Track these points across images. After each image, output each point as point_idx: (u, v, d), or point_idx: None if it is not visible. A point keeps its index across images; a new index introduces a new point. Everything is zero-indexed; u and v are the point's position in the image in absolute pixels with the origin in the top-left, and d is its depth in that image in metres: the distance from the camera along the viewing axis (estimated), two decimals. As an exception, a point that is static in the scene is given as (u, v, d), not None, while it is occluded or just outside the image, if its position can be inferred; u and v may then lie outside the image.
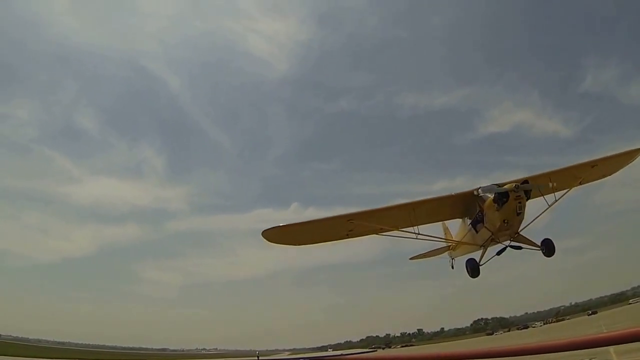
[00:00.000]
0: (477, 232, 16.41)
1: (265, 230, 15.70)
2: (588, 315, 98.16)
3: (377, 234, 16.64)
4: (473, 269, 16.28)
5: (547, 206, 16.21)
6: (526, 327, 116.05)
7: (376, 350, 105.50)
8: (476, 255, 17.25)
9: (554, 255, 15.69)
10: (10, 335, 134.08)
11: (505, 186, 14.41)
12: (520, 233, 15.82)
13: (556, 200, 16.25)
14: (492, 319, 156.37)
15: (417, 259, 21.93)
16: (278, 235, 16.11)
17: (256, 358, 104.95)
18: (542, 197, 16.68)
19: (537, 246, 15.83)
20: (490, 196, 14.78)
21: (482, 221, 15.76)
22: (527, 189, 14.49)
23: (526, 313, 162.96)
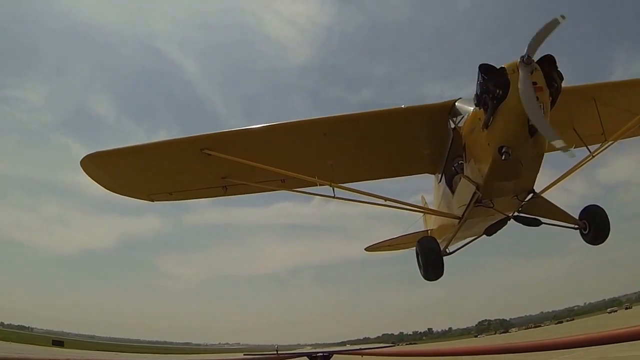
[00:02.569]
0: (453, 192, 8.79)
1: (85, 160, 8.75)
2: (555, 324, 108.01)
3: (274, 188, 9.79)
4: (428, 257, 7.98)
5: (589, 154, 8.72)
6: (507, 331, 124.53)
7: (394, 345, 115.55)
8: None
9: (605, 241, 7.90)
10: (36, 328, 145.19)
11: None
12: (540, 194, 8.01)
13: (604, 147, 8.90)
14: (495, 320, 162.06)
15: (374, 250, 14.68)
16: (108, 172, 9.21)
17: (275, 352, 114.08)
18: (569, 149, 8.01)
19: (573, 221, 8.03)
20: (471, 108, 7.25)
21: (462, 170, 8.20)
22: (554, 83, 6.31)
23: (541, 312, 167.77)
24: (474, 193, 7.75)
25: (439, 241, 8.91)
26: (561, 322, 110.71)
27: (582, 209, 8.24)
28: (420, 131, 9.12)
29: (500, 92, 6.33)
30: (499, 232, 8.84)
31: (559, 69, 6.41)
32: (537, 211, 8.20)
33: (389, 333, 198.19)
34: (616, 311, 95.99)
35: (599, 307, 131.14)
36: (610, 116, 8.92)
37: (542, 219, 8.27)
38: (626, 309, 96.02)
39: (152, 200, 10.24)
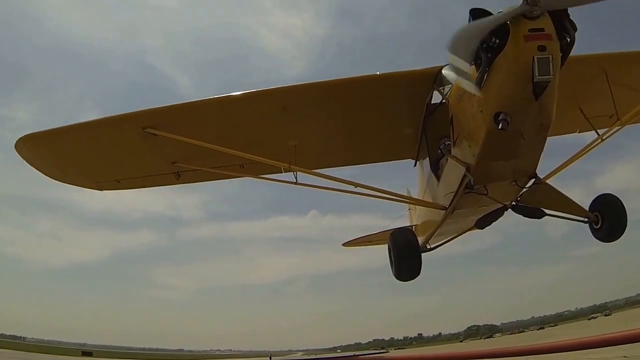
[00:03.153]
0: (438, 178, 7.73)
1: (19, 144, 7.92)
2: (537, 329, 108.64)
3: (233, 175, 8.79)
4: (402, 252, 6.83)
5: (598, 138, 7.86)
6: (491, 336, 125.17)
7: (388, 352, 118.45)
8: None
9: (620, 237, 6.85)
10: (29, 337, 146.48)
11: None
12: (544, 180, 6.95)
13: (613, 131, 7.94)
14: (484, 325, 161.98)
15: (352, 245, 14.65)
16: (46, 156, 8.34)
17: (268, 359, 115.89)
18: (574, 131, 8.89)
19: (583, 213, 7.01)
20: (460, 76, 6.09)
21: (449, 150, 7.07)
22: (566, 34, 5.12)
23: (532, 317, 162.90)
24: (464, 176, 6.50)
25: (422, 236, 7.97)
26: (543, 327, 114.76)
27: (593, 199, 7.09)
28: (399, 105, 7.85)
29: (497, 40, 5.09)
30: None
31: (571, 18, 5.14)
32: (540, 200, 7.00)
33: (380, 338, 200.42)
34: (596, 317, 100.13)
35: (586, 313, 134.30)
36: (621, 94, 7.64)
37: (546, 210, 7.07)
38: (605, 315, 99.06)
39: (100, 189, 9.34)
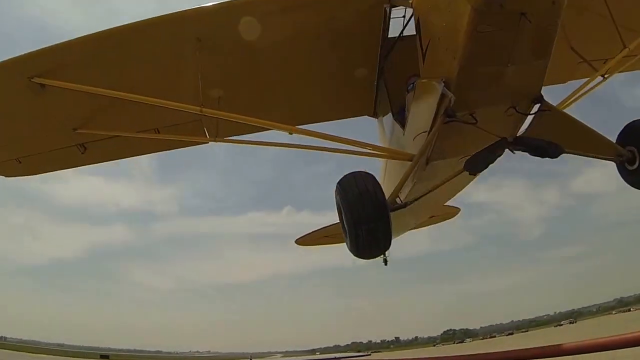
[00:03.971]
0: (404, 125, 5.93)
1: None
2: (506, 335, 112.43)
3: (148, 138, 7.22)
4: (358, 207, 4.36)
5: (591, 80, 6.24)
6: (462, 341, 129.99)
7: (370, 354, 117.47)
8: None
9: None
10: (14, 338, 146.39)
11: None
12: (554, 106, 5.27)
13: (602, 76, 6.36)
14: (460, 329, 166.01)
15: (307, 243, 12.84)
16: None
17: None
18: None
19: (610, 149, 5.31)
20: None
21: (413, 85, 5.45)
22: None
23: (512, 321, 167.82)
24: (441, 97, 4.61)
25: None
26: (512, 334, 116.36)
27: (622, 128, 5.36)
28: (348, 32, 5.99)
29: None
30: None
31: None
32: (549, 132, 5.04)
33: (358, 341, 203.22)
34: (562, 325, 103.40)
35: (560, 318, 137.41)
36: (623, 31, 6.04)
37: (568, 148, 5.04)
38: (570, 323, 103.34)
39: (5, 175, 7.71)
